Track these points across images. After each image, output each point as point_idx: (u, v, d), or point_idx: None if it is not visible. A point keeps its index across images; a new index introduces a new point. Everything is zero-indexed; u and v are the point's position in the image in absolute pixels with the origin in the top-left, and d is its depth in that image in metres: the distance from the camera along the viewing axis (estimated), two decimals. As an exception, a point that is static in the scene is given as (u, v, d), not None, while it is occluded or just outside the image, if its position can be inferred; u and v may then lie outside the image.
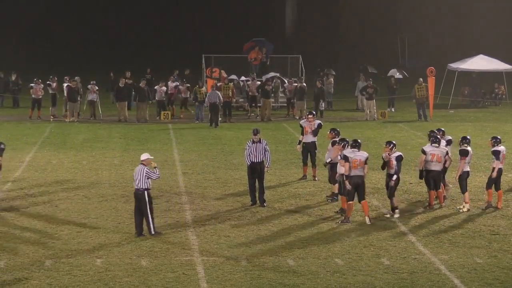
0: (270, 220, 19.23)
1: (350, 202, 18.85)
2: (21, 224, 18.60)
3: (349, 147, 19.64)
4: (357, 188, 18.84)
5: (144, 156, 18.02)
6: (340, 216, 19.42)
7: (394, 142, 19.83)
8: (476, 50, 48.63)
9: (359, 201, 18.92)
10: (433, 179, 20.13)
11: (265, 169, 20.49)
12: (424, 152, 20.15)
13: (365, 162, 18.89)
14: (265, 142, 20.69)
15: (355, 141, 19.20)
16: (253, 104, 38.97)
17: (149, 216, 17.62)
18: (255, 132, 20.79)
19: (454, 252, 16.92)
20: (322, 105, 38.39)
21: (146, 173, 17.53)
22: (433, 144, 20.14)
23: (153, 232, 17.66)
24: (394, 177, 19.43)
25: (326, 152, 21.53)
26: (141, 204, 17.59)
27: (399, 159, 19.44)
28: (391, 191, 19.55)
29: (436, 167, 20.06)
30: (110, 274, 15.30)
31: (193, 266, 15.80)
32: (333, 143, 20.97)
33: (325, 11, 73.25)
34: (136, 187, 17.63)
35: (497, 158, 20.15)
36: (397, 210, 19.50)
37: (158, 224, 18.66)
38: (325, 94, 39.54)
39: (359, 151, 18.97)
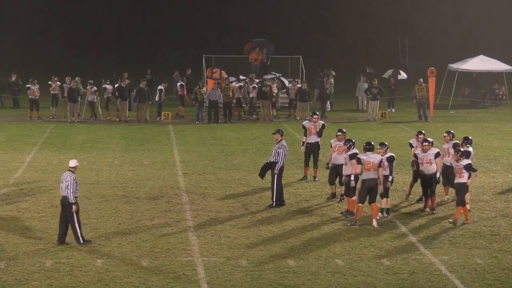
0: (271, 221, 19.23)
1: (360, 204, 18.79)
2: (22, 224, 18.59)
3: (354, 148, 19.67)
4: (370, 190, 18.72)
5: (73, 163, 17.32)
6: (345, 217, 19.45)
7: (386, 143, 19.85)
8: (477, 51, 48.62)
9: (369, 203, 18.82)
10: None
11: (275, 170, 20.51)
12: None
13: (379, 165, 18.82)
14: (279, 145, 20.54)
15: (369, 143, 19.14)
16: (246, 105, 39.11)
17: (76, 224, 16.89)
18: (273, 132, 21.10)
19: (454, 252, 16.92)
20: (328, 106, 38.64)
21: (68, 182, 16.82)
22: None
23: (81, 242, 16.88)
24: (390, 177, 19.33)
25: (332, 152, 21.41)
26: (68, 212, 16.89)
27: (390, 159, 19.39)
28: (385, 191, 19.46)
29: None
30: (110, 274, 15.30)
31: (194, 267, 15.80)
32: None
33: (326, 12, 73.28)
34: (64, 194, 16.94)
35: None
36: (380, 214, 19.23)
37: (158, 224, 18.69)
38: (330, 95, 39.50)
39: (372, 153, 18.91)
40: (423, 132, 21.43)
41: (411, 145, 21.25)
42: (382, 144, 19.65)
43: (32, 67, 54.42)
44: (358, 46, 70.15)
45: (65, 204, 16.94)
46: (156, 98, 37.89)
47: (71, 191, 16.83)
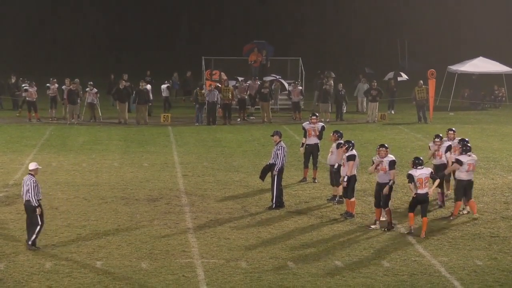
0: (270, 222, 19.23)
1: (411, 213, 18.42)
2: (21, 226, 18.55)
3: (353, 150, 19.60)
4: (422, 204, 18.35)
5: (32, 165, 17.14)
6: (345, 218, 19.45)
7: (386, 145, 19.45)
8: (476, 52, 48.64)
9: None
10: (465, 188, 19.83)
11: (274, 172, 20.51)
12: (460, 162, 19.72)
13: (431, 176, 18.49)
14: (278, 147, 20.52)
15: (418, 158, 18.47)
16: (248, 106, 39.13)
17: (38, 228, 16.74)
18: (271, 134, 21.09)
19: (454, 254, 16.93)
20: (344, 108, 38.81)
21: (28, 186, 16.64)
22: (467, 153, 19.90)
23: (30, 243, 16.69)
24: (391, 182, 18.98)
25: (329, 154, 21.39)
26: (32, 216, 16.75)
27: (392, 163, 19.11)
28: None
29: (470, 176, 19.85)
30: (110, 276, 15.30)
31: (193, 269, 15.80)
32: (338, 146, 20.80)
33: (325, 14, 73.36)
34: (27, 198, 16.75)
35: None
36: (377, 222, 18.98)
37: (158, 226, 18.69)
38: (346, 96, 39.41)
39: (422, 168, 18.32)
40: (440, 135, 21.27)
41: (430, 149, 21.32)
42: (382, 146, 19.26)
43: (32, 69, 54.37)
44: (358, 48, 70.23)
45: (28, 208, 16.81)
46: (164, 94, 38.62)
47: (32, 194, 16.65)
